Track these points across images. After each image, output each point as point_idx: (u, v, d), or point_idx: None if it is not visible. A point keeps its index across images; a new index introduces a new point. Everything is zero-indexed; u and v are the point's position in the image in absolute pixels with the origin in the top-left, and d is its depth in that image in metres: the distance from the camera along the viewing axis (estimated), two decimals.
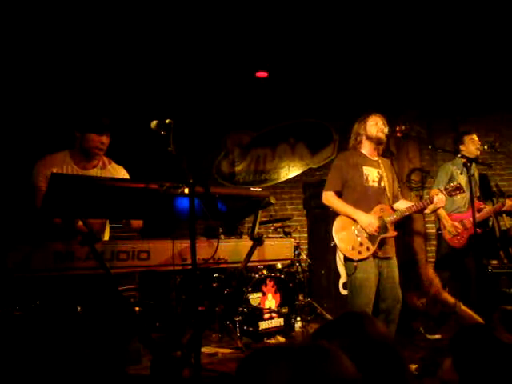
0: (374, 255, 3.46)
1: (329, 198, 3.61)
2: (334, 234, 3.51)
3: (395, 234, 3.56)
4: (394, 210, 3.59)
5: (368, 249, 3.44)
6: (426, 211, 3.69)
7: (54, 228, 2.50)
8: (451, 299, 2.23)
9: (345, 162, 3.62)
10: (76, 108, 4.90)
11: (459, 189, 3.55)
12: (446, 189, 3.56)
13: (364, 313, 1.43)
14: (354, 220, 3.49)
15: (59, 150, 2.98)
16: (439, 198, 3.49)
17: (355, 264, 3.42)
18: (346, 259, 3.49)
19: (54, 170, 2.78)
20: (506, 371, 1.44)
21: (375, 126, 3.62)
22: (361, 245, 3.45)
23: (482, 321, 1.97)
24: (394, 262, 3.58)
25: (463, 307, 2.14)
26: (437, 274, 2.36)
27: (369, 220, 3.45)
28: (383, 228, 3.48)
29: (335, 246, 3.51)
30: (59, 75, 5.46)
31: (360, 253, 3.43)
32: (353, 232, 3.48)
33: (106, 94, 5.75)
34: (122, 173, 3.15)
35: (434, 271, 2.44)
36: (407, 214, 3.55)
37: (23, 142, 5.28)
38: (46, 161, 2.88)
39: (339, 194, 3.62)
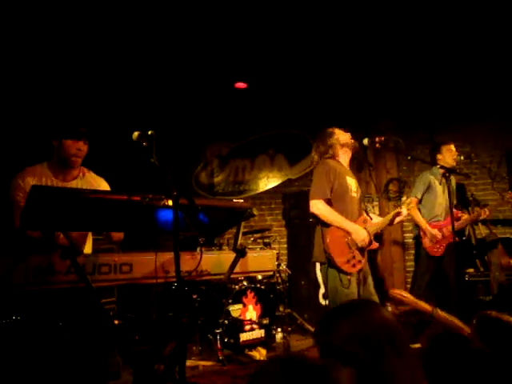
0: (362, 268, 3.44)
1: (319, 206, 3.38)
2: (329, 247, 3.32)
3: (377, 245, 3.59)
4: (373, 221, 3.60)
5: (360, 261, 3.40)
6: (394, 223, 3.69)
7: (33, 241, 2.45)
8: (427, 307, 2.25)
9: (331, 169, 3.47)
10: (53, 117, 4.83)
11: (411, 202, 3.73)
12: (403, 204, 3.64)
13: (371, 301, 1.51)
14: (347, 232, 3.38)
15: (37, 163, 2.93)
16: (406, 212, 3.57)
17: (349, 278, 3.31)
18: (340, 272, 3.30)
19: (33, 183, 2.73)
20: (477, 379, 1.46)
21: (344, 134, 3.61)
22: (353, 257, 3.37)
23: (461, 324, 1.99)
24: (370, 278, 3.57)
25: (440, 312, 2.16)
26: (400, 291, 2.37)
27: (364, 234, 3.40)
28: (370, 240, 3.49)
29: (329, 259, 3.31)
30: (36, 86, 5.38)
31: (354, 266, 3.36)
32: (346, 245, 3.37)
33: (85, 105, 5.69)
34: (103, 184, 3.11)
35: (396, 290, 2.45)
36: (383, 227, 3.62)
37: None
38: (24, 174, 2.83)
39: (328, 202, 3.43)
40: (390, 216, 3.60)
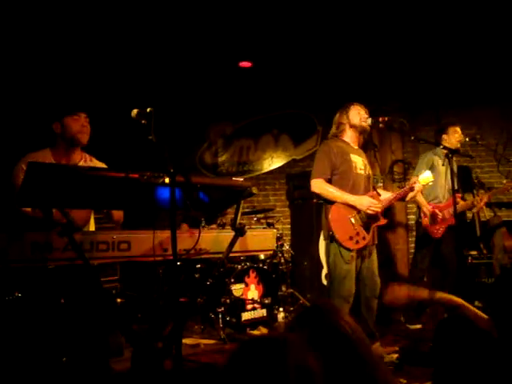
0: (367, 244, 3.47)
1: (319, 185, 3.50)
2: (331, 224, 3.42)
3: (386, 221, 3.60)
4: (381, 198, 3.59)
5: (364, 238, 3.44)
6: (406, 199, 3.72)
7: (31, 218, 2.46)
8: (424, 294, 2.20)
9: (331, 148, 3.55)
10: (50, 101, 4.78)
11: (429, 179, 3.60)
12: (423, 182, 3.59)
13: (330, 305, 1.44)
14: (351, 206, 3.44)
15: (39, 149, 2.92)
16: (419, 187, 3.54)
17: (352, 254, 3.40)
18: (344, 248, 3.40)
19: None
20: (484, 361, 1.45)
21: (358, 114, 3.63)
22: (357, 234, 3.42)
23: (462, 301, 1.97)
24: (375, 254, 3.62)
25: (439, 294, 2.12)
26: (392, 290, 2.31)
27: (367, 200, 3.43)
28: (375, 216, 3.49)
29: (332, 236, 3.41)
30: (35, 69, 5.34)
31: (357, 242, 3.41)
32: (349, 221, 3.43)
33: (87, 82, 5.65)
34: None
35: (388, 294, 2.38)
36: (393, 201, 3.62)
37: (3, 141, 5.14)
38: (26, 158, 2.80)
39: (328, 182, 3.53)
40: (401, 190, 3.60)
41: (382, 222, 3.55)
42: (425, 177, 3.57)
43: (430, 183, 3.68)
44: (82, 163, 2.97)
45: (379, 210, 3.45)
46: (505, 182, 4.97)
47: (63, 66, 5.44)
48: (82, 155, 3.00)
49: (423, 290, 2.12)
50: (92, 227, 3.09)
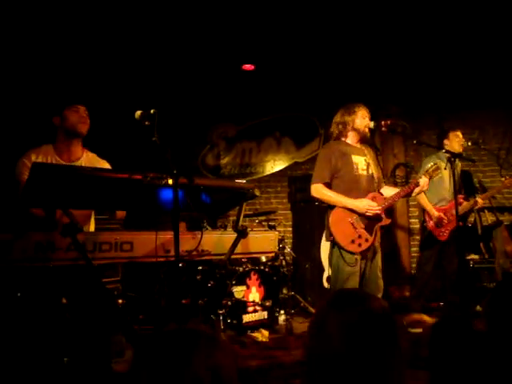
0: (372, 245, 3.44)
1: (319, 189, 3.50)
2: (331, 229, 3.40)
3: (389, 221, 3.56)
4: (384, 197, 3.56)
5: (367, 240, 3.40)
6: (413, 194, 3.67)
7: (34, 218, 2.46)
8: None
9: (332, 152, 3.53)
10: (51, 97, 4.80)
11: (438, 168, 3.59)
12: (427, 171, 3.57)
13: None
14: (350, 210, 3.40)
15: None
16: (424, 181, 3.51)
17: (356, 256, 3.36)
18: (346, 252, 3.36)
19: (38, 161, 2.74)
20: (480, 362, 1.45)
21: (363, 119, 3.59)
22: (359, 237, 3.38)
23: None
24: (379, 252, 3.58)
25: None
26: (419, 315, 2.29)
27: (365, 202, 3.39)
28: (377, 217, 3.47)
29: (333, 240, 3.39)
30: (38, 66, 5.35)
31: (360, 245, 3.37)
32: (350, 224, 3.40)
33: (91, 83, 5.67)
34: (105, 166, 3.11)
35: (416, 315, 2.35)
36: (397, 199, 3.56)
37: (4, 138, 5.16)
38: (29, 153, 2.83)
39: (328, 186, 3.52)
40: (406, 186, 3.58)
41: (386, 222, 3.50)
42: (429, 167, 3.56)
43: (440, 174, 3.65)
44: (84, 158, 2.99)
45: (378, 211, 3.41)
46: (503, 179, 4.99)
47: (67, 67, 5.47)
48: (84, 151, 3.02)
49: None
50: (92, 227, 3.09)
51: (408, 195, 3.66)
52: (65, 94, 5.08)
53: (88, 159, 3.01)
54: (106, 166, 3.12)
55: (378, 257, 3.57)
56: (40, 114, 3.25)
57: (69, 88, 5.41)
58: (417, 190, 3.56)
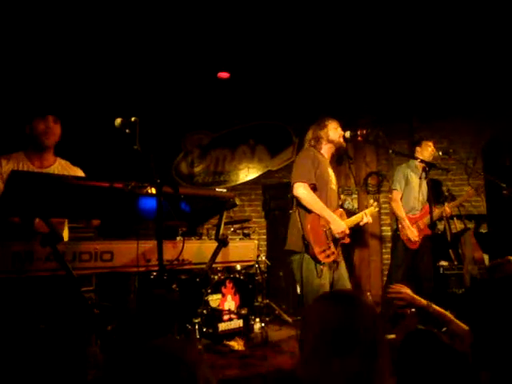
0: (335, 259, 3.40)
1: (306, 189, 3.29)
2: (308, 234, 3.25)
3: (349, 240, 3.55)
4: (346, 218, 3.58)
5: (333, 253, 3.35)
6: (356, 227, 3.72)
7: (12, 228, 2.40)
8: (423, 301, 2.28)
9: (314, 156, 3.43)
10: (26, 105, 4.72)
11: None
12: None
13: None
14: (326, 220, 3.33)
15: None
16: (368, 219, 3.65)
17: (322, 267, 3.26)
18: (315, 261, 3.26)
19: (9, 166, 2.69)
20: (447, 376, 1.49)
21: (336, 130, 3.57)
22: (329, 248, 3.32)
23: (453, 318, 2.06)
24: (343, 263, 3.55)
25: (435, 306, 2.20)
26: (399, 287, 2.33)
27: (343, 226, 3.37)
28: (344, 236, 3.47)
29: (307, 246, 3.24)
30: (16, 73, 5.25)
31: (328, 256, 3.31)
32: (324, 234, 3.32)
33: (62, 92, 5.58)
34: (79, 173, 3.06)
35: (395, 287, 2.37)
36: (353, 226, 3.60)
37: None
38: (0, 160, 2.77)
39: (313, 189, 3.35)
40: (354, 219, 3.64)
41: (347, 240, 3.52)
42: (370, 209, 3.77)
43: (375, 212, 3.86)
44: (56, 166, 2.94)
45: (346, 235, 3.43)
46: (467, 189, 5.26)
47: (45, 74, 5.38)
48: (56, 159, 2.98)
49: (422, 298, 2.20)
50: (66, 236, 3.03)
51: (355, 227, 3.71)
52: (40, 102, 5.03)
53: (61, 166, 2.97)
54: (79, 173, 3.07)
55: (343, 264, 3.52)
56: (14, 122, 3.20)
57: (45, 96, 5.32)
58: (361, 223, 3.66)
